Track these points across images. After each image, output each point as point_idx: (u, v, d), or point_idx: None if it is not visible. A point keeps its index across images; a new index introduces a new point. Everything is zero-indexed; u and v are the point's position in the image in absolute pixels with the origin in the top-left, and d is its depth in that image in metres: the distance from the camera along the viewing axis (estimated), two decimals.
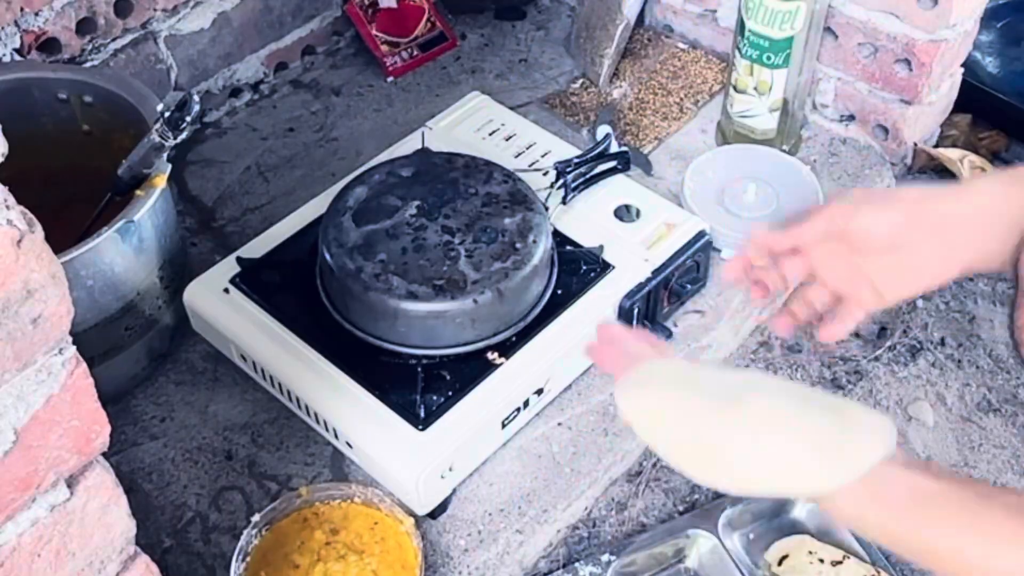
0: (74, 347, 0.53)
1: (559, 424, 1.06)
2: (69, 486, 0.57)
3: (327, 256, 1.00)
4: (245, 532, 0.93)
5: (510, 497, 1.01)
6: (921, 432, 1.12)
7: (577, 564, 1.00)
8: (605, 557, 0.99)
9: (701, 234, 1.11)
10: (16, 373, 0.50)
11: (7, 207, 0.47)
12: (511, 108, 1.29)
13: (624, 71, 1.42)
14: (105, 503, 0.60)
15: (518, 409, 1.01)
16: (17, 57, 1.16)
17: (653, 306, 1.08)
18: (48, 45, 1.19)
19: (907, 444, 1.11)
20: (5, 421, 0.51)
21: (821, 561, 0.99)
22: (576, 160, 1.15)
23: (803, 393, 0.76)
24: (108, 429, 0.57)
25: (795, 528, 1.03)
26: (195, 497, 1.02)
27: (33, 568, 0.57)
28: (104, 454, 0.59)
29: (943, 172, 1.36)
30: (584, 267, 1.08)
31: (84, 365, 0.54)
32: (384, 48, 1.48)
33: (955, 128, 1.41)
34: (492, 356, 1.00)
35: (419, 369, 0.99)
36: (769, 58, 1.20)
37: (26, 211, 0.48)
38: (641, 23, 1.48)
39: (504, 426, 1.00)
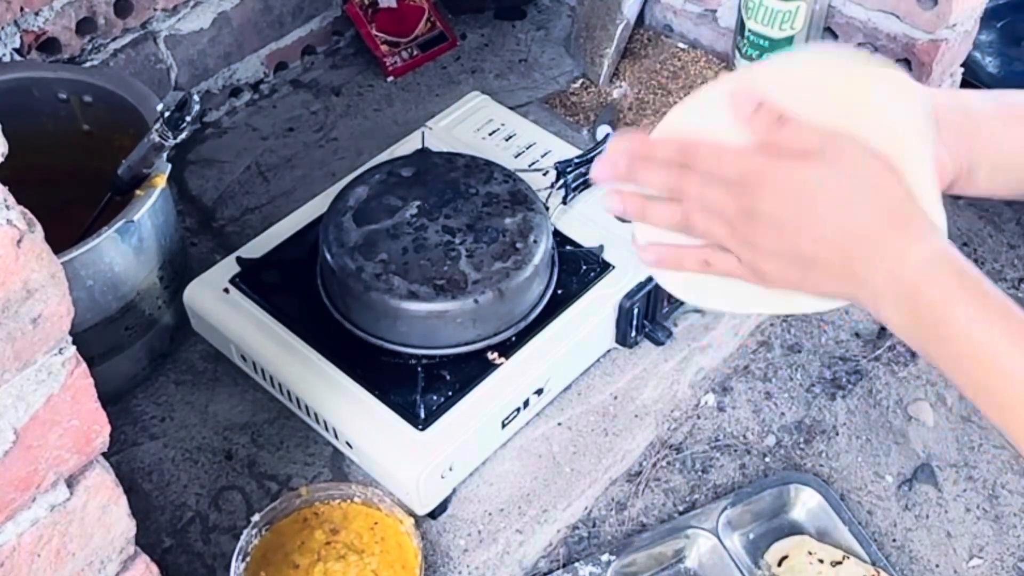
0: (74, 347, 0.53)
1: (559, 424, 1.06)
2: (69, 486, 0.57)
3: (328, 256, 1.00)
4: (245, 532, 0.93)
5: (510, 497, 1.01)
6: (921, 432, 1.12)
7: (577, 564, 1.00)
8: (605, 557, 0.99)
9: None
10: (16, 373, 0.50)
11: (7, 207, 0.47)
12: (511, 108, 1.29)
13: (624, 71, 1.42)
14: (105, 503, 0.60)
15: (518, 409, 1.01)
16: (17, 57, 1.16)
17: (653, 306, 1.08)
18: (48, 45, 1.19)
19: (907, 444, 1.11)
20: (5, 421, 0.51)
21: (821, 561, 0.99)
22: (576, 160, 1.15)
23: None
24: (108, 429, 0.57)
25: (795, 528, 1.04)
26: (195, 497, 1.02)
27: (33, 568, 0.57)
28: (104, 454, 0.59)
29: None
30: (584, 267, 1.08)
31: (84, 365, 0.54)
32: (384, 48, 1.48)
33: None
34: (492, 356, 1.00)
35: (419, 369, 0.99)
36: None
37: (26, 211, 0.48)
38: (641, 23, 1.48)
39: (504, 426, 1.00)
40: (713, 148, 0.71)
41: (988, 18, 1.37)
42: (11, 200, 0.47)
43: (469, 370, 1.00)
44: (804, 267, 0.71)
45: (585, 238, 1.10)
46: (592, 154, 1.16)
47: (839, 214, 0.70)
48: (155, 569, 0.66)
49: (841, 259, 0.70)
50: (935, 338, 0.69)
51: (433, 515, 0.99)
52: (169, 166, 1.01)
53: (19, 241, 0.47)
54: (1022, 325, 0.67)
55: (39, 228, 0.48)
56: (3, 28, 1.13)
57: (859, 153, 0.71)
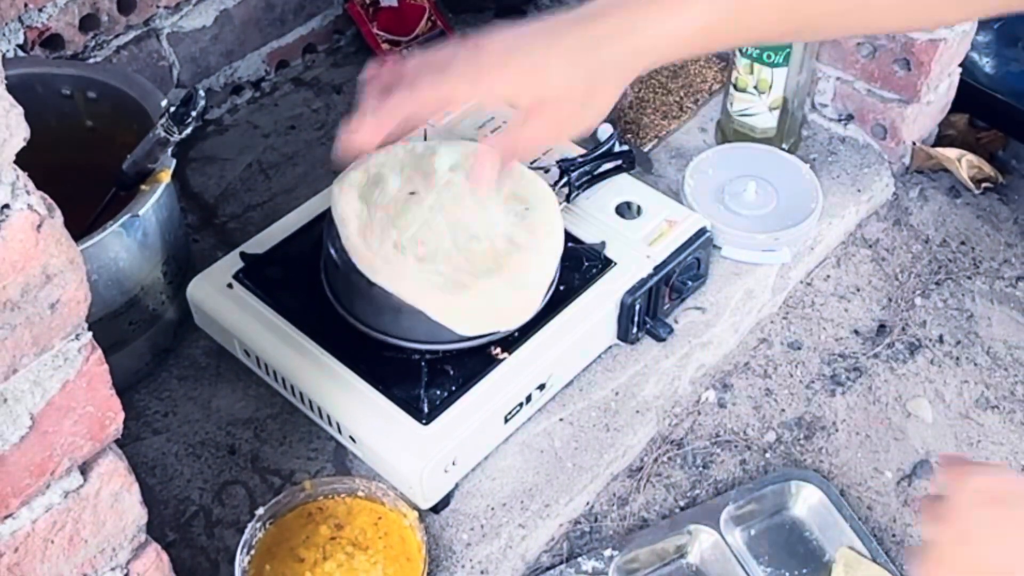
0: (90, 333, 0.53)
1: (561, 419, 1.07)
2: (83, 473, 0.58)
3: (332, 251, 1.01)
4: (249, 525, 0.93)
5: (512, 492, 1.02)
6: (920, 428, 1.13)
7: (580, 559, 1.00)
8: (607, 552, 1.00)
9: (702, 231, 1.12)
10: (34, 358, 0.50)
11: (27, 192, 0.47)
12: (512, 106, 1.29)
13: None
14: (117, 490, 0.60)
15: (521, 404, 1.01)
16: (21, 53, 1.17)
17: (655, 302, 1.09)
18: (51, 41, 1.19)
19: (906, 440, 1.11)
20: (22, 406, 0.51)
21: None
22: (580, 159, 1.15)
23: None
24: (122, 416, 0.58)
25: (796, 524, 1.04)
26: (198, 491, 1.02)
27: (46, 554, 0.57)
28: (116, 441, 0.60)
29: (941, 171, 1.37)
30: (586, 263, 1.08)
31: (99, 351, 0.54)
32: (385, 47, 1.48)
33: (953, 128, 1.42)
34: (495, 351, 1.01)
35: (423, 364, 0.99)
36: (769, 57, 1.21)
37: (45, 196, 0.48)
38: None
39: (507, 421, 1.01)
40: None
41: (986, 19, 1.38)
42: (31, 185, 0.47)
43: (472, 365, 1.00)
44: (545, 40, 0.80)
45: (587, 234, 1.11)
46: (596, 153, 1.17)
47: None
48: (165, 557, 0.67)
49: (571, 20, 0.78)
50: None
51: (436, 509, 0.99)
52: (174, 161, 1.01)
53: (39, 226, 0.47)
54: None
55: (58, 213, 0.49)
56: (7, 24, 1.14)
57: None
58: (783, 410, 1.14)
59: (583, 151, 1.18)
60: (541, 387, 1.03)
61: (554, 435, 1.06)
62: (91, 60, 1.24)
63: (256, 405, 1.09)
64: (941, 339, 1.21)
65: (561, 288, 1.06)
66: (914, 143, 1.35)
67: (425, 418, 0.95)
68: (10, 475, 0.53)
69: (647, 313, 1.09)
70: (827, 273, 1.27)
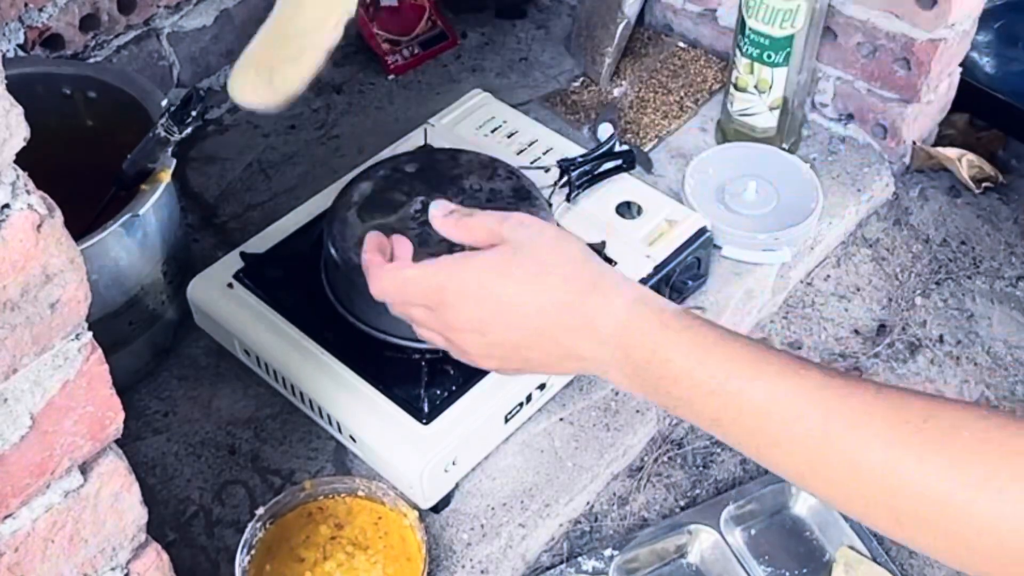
0: (90, 333, 0.53)
1: (561, 419, 1.07)
2: (83, 472, 0.58)
3: (332, 250, 1.00)
4: (250, 525, 0.93)
5: (512, 491, 1.02)
6: None
7: (580, 558, 1.00)
8: (608, 551, 1.00)
9: (702, 231, 1.12)
10: (34, 358, 0.50)
11: (27, 192, 0.47)
12: (512, 106, 1.30)
13: (624, 70, 1.43)
14: (117, 490, 0.60)
15: (521, 404, 1.01)
16: (21, 53, 1.17)
17: None
18: (52, 41, 1.20)
19: None
20: (22, 406, 0.51)
21: None
22: (580, 159, 1.15)
23: None
24: (122, 416, 0.58)
25: (796, 524, 1.04)
26: (198, 491, 1.02)
27: (47, 554, 0.57)
28: (116, 441, 0.60)
29: (941, 171, 1.37)
30: None
31: (100, 351, 0.54)
32: (385, 46, 1.48)
33: (953, 127, 1.42)
34: None
35: (423, 363, 0.99)
36: (769, 56, 1.21)
37: (46, 196, 0.48)
38: (641, 22, 1.48)
39: (507, 421, 1.01)
40: (396, 274, 0.79)
41: (986, 19, 1.38)
42: (31, 185, 0.47)
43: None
44: (520, 355, 0.76)
45: (587, 234, 1.10)
46: (596, 153, 1.17)
47: (531, 295, 0.73)
48: (165, 557, 0.67)
49: (549, 338, 0.74)
50: (653, 379, 0.70)
51: (436, 509, 0.99)
52: (174, 161, 1.01)
53: (39, 226, 0.47)
54: (736, 351, 0.67)
55: (58, 213, 0.49)
56: (7, 24, 1.14)
57: (531, 231, 0.76)
58: None
59: (583, 151, 1.18)
60: (541, 386, 1.02)
61: (554, 435, 1.06)
62: (91, 60, 1.24)
63: (256, 405, 1.09)
64: (941, 339, 1.20)
65: None
66: (914, 143, 1.35)
67: (425, 418, 0.95)
68: (10, 475, 0.53)
69: None
70: (827, 273, 1.27)
